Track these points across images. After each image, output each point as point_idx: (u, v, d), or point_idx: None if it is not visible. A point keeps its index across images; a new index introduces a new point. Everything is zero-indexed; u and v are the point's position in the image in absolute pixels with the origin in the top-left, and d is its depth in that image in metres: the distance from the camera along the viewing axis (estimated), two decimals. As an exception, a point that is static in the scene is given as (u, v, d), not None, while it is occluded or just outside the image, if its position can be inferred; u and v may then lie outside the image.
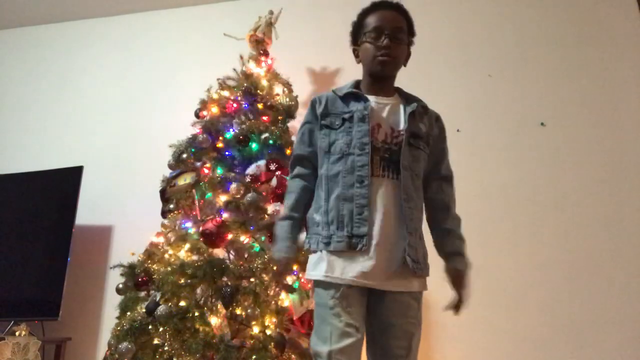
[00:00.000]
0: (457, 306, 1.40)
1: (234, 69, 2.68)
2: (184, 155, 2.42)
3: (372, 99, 1.43)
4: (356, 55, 1.52)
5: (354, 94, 1.45)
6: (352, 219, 1.31)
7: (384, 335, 1.30)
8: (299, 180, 1.48)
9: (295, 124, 2.70)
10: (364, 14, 1.48)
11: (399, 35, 1.42)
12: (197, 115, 2.62)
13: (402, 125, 1.40)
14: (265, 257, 2.02)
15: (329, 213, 1.36)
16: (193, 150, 2.43)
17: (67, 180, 2.91)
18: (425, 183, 1.46)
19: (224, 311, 1.97)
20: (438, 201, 1.47)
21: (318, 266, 1.36)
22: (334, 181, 1.37)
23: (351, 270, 1.29)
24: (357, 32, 1.50)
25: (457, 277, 1.39)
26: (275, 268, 1.44)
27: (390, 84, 1.50)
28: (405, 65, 1.51)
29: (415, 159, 1.39)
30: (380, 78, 1.46)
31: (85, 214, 2.93)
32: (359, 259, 1.29)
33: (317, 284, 1.35)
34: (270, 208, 2.15)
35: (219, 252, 2.16)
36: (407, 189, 1.34)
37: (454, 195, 1.52)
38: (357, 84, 1.51)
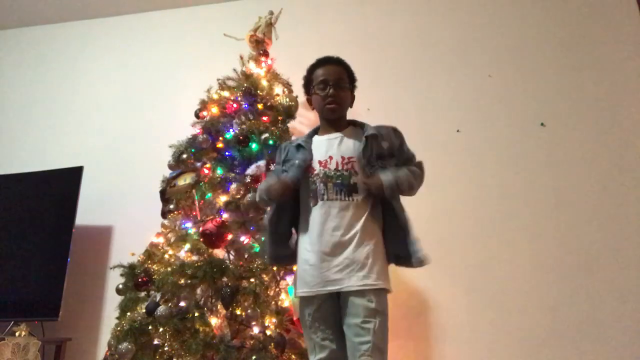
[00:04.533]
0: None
1: (234, 69, 2.67)
2: (184, 156, 2.42)
3: (325, 137, 1.70)
4: (310, 104, 1.77)
5: (301, 146, 1.69)
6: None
7: (349, 334, 1.50)
8: None
9: (295, 124, 2.71)
10: (312, 69, 1.74)
11: (341, 84, 1.68)
12: (197, 115, 2.62)
13: (351, 152, 1.62)
14: (265, 257, 2.03)
15: None
16: (193, 150, 2.43)
17: (67, 181, 2.91)
18: None
19: (224, 311, 1.97)
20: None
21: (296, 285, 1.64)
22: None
23: (315, 280, 1.53)
24: (308, 84, 1.75)
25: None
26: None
27: (342, 121, 1.73)
28: (351, 107, 1.77)
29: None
30: (332, 120, 1.71)
31: (85, 214, 2.93)
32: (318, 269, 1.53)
33: (300, 301, 1.60)
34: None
35: (219, 253, 2.16)
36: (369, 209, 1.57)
37: (414, 169, 1.66)
38: (315, 130, 1.76)
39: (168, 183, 2.42)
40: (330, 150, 1.65)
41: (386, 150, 1.63)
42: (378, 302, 1.50)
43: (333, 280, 1.51)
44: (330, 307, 1.55)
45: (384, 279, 1.54)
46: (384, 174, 1.54)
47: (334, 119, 1.71)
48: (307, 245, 1.58)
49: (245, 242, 2.16)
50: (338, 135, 1.69)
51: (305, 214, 1.63)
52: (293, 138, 1.82)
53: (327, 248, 1.53)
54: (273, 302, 2.00)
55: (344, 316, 1.53)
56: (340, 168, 1.60)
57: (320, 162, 1.63)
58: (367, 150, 1.60)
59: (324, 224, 1.55)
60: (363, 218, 1.56)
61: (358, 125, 1.74)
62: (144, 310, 2.00)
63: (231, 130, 2.47)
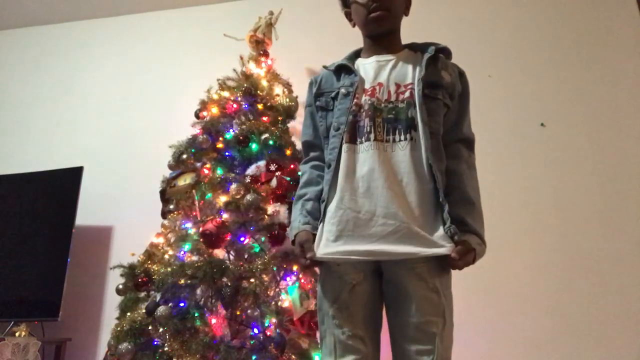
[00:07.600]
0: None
1: (234, 70, 2.67)
2: (184, 156, 2.42)
3: (372, 58, 1.31)
4: (349, 19, 1.40)
5: (345, 67, 1.31)
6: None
7: (400, 338, 1.14)
8: (309, 162, 1.38)
9: (295, 125, 2.71)
10: None
11: None
12: (197, 115, 2.62)
13: (409, 79, 1.23)
14: (265, 257, 2.03)
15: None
16: (193, 150, 2.43)
17: (67, 181, 2.91)
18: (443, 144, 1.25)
19: (224, 311, 1.97)
20: (455, 166, 1.25)
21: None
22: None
23: (353, 241, 1.14)
24: None
25: (466, 252, 1.14)
26: (295, 247, 1.24)
27: (395, 40, 1.33)
28: (406, 14, 1.35)
29: (433, 112, 1.21)
30: (380, 37, 1.31)
31: (85, 215, 2.93)
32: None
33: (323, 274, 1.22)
34: (270, 209, 2.15)
35: (219, 253, 2.16)
36: (429, 149, 1.17)
37: (474, 162, 1.32)
38: (357, 52, 1.38)
39: (168, 183, 2.42)
40: (380, 75, 1.26)
41: (444, 85, 1.24)
42: (445, 290, 1.13)
43: (377, 248, 1.10)
44: (369, 287, 1.16)
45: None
46: (470, 235, 1.15)
47: (383, 33, 1.29)
48: (340, 194, 1.17)
49: (245, 242, 2.16)
50: (391, 57, 1.28)
51: (332, 154, 1.23)
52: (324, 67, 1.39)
53: (373, 203, 1.13)
54: (273, 302, 2.00)
55: (390, 305, 1.17)
56: (393, 99, 1.21)
57: (365, 91, 1.24)
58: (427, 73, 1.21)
59: (369, 171, 1.15)
60: (420, 164, 1.16)
61: (418, 50, 1.31)
62: (144, 311, 1.99)
63: (231, 130, 2.47)
